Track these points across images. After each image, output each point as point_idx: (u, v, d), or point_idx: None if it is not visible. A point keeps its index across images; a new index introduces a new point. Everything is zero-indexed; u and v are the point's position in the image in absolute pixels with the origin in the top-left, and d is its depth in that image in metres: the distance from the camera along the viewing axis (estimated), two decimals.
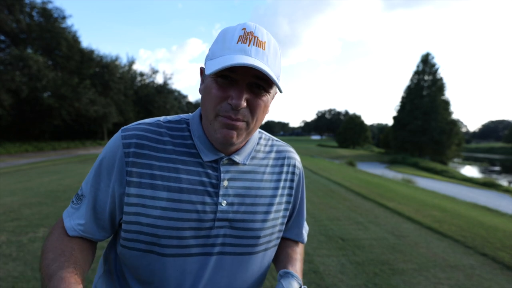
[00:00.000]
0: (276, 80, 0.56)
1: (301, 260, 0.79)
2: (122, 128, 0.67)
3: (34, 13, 21.75)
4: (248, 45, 0.56)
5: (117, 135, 0.66)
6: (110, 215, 0.66)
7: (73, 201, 0.69)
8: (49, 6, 22.07)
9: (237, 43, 0.56)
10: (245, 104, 0.57)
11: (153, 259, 0.64)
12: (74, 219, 0.66)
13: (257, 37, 0.57)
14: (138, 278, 0.67)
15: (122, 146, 0.64)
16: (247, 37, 0.57)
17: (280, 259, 0.78)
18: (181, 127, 0.69)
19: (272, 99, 0.66)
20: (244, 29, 0.58)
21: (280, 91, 0.60)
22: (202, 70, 0.66)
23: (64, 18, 23.26)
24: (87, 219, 0.66)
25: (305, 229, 0.88)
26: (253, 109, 0.60)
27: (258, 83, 0.58)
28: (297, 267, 0.74)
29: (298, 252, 0.81)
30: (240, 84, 0.57)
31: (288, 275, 0.67)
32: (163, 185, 0.63)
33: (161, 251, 0.63)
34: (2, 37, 20.65)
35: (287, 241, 0.84)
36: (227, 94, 0.58)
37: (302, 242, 0.87)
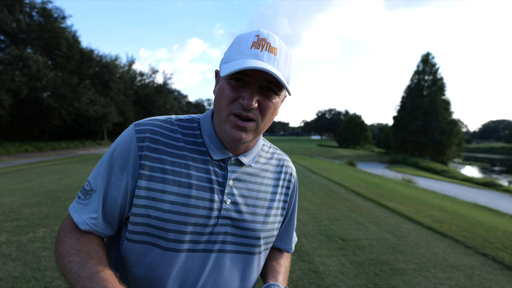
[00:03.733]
0: (285, 83, 0.60)
1: (285, 272, 0.81)
2: (134, 123, 0.69)
3: (34, 13, 21.74)
4: (261, 51, 0.60)
5: (130, 129, 0.67)
6: (120, 210, 0.66)
7: (79, 197, 0.68)
8: (49, 6, 22.07)
9: (251, 48, 0.60)
10: (256, 105, 0.61)
11: (157, 254, 0.65)
12: (85, 214, 0.66)
13: (270, 44, 0.61)
14: (139, 275, 0.67)
15: (136, 140, 0.65)
16: (260, 43, 0.61)
17: (265, 272, 0.79)
18: (192, 125, 0.72)
19: (282, 102, 0.70)
20: (258, 35, 0.62)
21: (289, 94, 0.65)
22: (217, 73, 0.70)
23: (64, 18, 23.24)
24: (98, 214, 0.65)
25: (294, 239, 0.89)
26: (263, 110, 0.63)
27: (269, 86, 0.62)
28: (279, 279, 0.75)
29: (282, 264, 0.82)
30: (252, 86, 0.61)
31: (270, 286, 0.70)
32: (173, 180, 0.65)
33: (167, 246, 0.64)
34: (2, 37, 20.63)
35: (273, 252, 0.86)
36: (239, 94, 0.62)
37: (289, 252, 0.88)
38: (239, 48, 0.61)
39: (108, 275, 0.55)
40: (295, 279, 2.67)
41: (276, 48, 0.62)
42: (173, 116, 0.73)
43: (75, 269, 0.57)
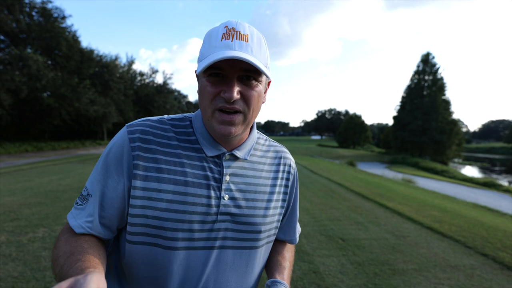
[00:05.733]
0: (261, 66, 0.59)
1: (290, 266, 0.82)
2: (127, 124, 0.69)
3: (33, 13, 21.71)
4: (232, 40, 0.59)
5: (122, 131, 0.67)
6: (118, 212, 0.65)
7: (77, 203, 0.68)
8: (49, 6, 22.03)
9: (221, 40, 0.60)
10: (238, 96, 0.61)
11: (158, 253, 0.64)
12: (81, 218, 0.65)
13: (239, 32, 0.61)
14: (142, 275, 0.67)
15: (128, 141, 0.65)
16: (230, 33, 0.60)
17: (270, 266, 0.79)
18: (184, 124, 0.72)
19: (267, 87, 0.70)
20: (226, 26, 0.61)
21: (268, 78, 0.65)
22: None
23: (64, 18, 23.21)
24: (94, 217, 0.64)
25: (298, 229, 0.89)
26: (248, 100, 0.63)
27: (248, 75, 0.62)
28: (285, 275, 0.76)
29: (287, 259, 0.83)
30: (231, 78, 0.61)
31: (276, 283, 0.70)
32: (169, 178, 0.64)
33: (167, 244, 0.64)
34: (2, 37, 20.60)
35: (277, 244, 0.86)
36: (220, 89, 0.61)
37: (293, 243, 0.89)
38: (210, 43, 0.61)
39: (77, 269, 0.52)
40: (295, 279, 2.67)
41: (247, 34, 0.61)
42: (166, 116, 0.73)
43: (58, 272, 0.56)
